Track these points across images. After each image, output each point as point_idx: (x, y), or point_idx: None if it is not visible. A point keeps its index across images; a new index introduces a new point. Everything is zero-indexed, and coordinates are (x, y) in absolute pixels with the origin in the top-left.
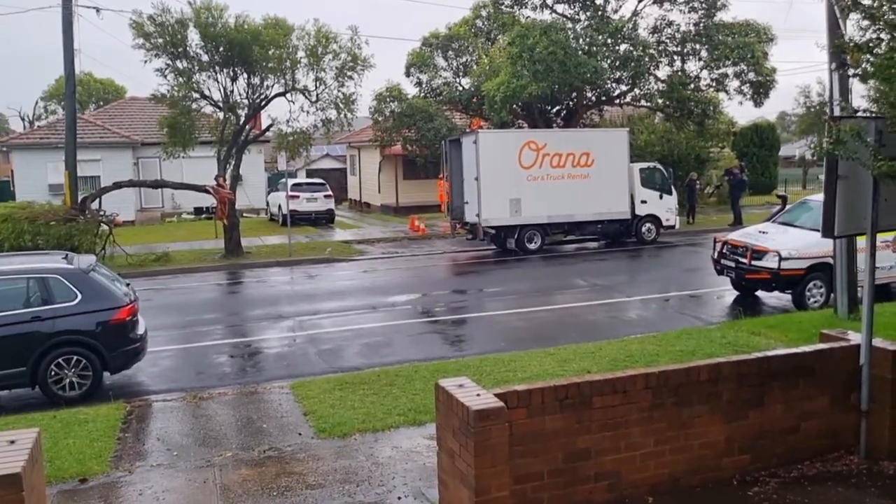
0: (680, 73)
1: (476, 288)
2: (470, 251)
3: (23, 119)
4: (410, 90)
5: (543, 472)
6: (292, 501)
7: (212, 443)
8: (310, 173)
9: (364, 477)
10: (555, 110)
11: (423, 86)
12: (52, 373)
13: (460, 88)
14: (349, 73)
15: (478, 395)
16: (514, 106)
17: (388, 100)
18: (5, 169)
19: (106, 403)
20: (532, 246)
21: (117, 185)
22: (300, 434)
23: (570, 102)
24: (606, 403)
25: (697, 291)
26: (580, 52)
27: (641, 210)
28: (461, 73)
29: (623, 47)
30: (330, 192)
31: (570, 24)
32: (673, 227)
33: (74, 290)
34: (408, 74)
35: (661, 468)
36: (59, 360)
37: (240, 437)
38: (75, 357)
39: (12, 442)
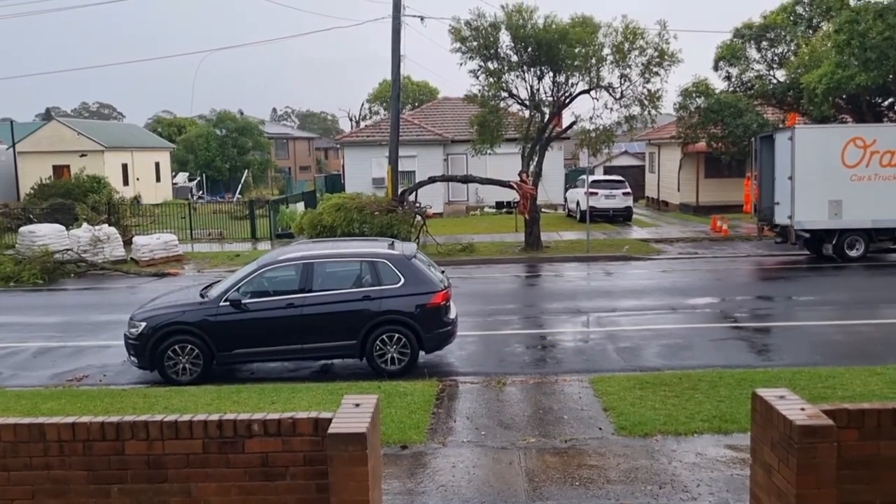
0: None
1: (785, 295)
2: (778, 255)
3: (350, 119)
4: (718, 85)
5: None
6: (594, 494)
7: (515, 427)
8: (607, 170)
9: (666, 480)
10: (887, 103)
11: (733, 80)
12: (377, 347)
13: (774, 81)
14: (655, 69)
15: (802, 409)
16: (838, 99)
17: (693, 95)
18: (336, 164)
19: (421, 380)
20: (853, 253)
21: (432, 180)
22: (600, 429)
23: None
24: None
25: None
26: None
27: None
28: (776, 65)
29: None
30: (629, 190)
31: None
32: None
33: (399, 274)
34: (716, 68)
35: None
36: (384, 336)
37: (541, 425)
38: (397, 335)
39: (357, 405)
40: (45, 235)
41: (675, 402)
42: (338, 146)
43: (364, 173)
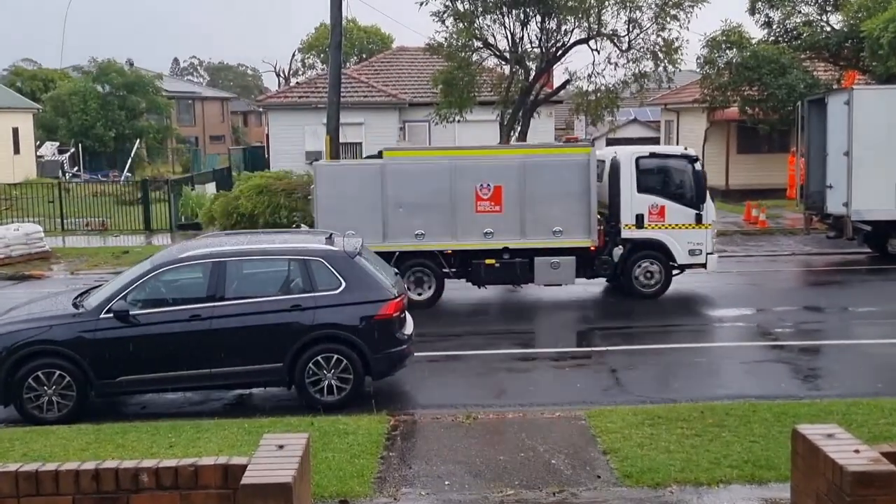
0: None
1: (838, 305)
2: (831, 254)
3: (277, 75)
4: (755, 33)
5: None
6: None
7: (489, 474)
8: (610, 143)
9: None
10: None
11: (775, 27)
12: (311, 372)
13: (828, 29)
14: (673, 12)
15: (856, 450)
16: None
17: (723, 46)
18: (259, 132)
19: (367, 414)
20: None
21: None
22: (598, 476)
23: None
24: None
25: None
26: None
27: None
28: (830, 8)
29: None
30: None
31: None
32: None
33: (338, 276)
34: (753, 12)
35: None
36: (319, 357)
37: (523, 472)
38: (335, 356)
39: (281, 447)
40: None
41: (696, 442)
42: (261, 109)
43: (295, 145)
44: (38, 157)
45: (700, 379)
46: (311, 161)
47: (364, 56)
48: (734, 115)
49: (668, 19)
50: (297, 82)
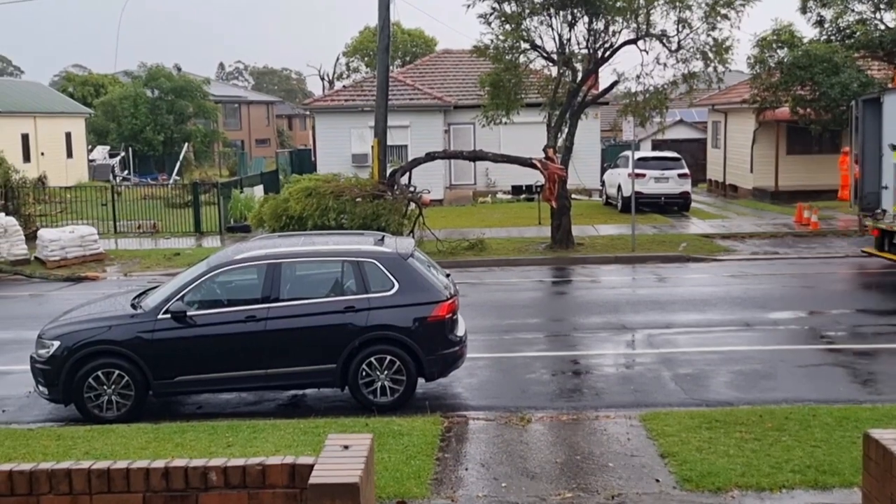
0: None
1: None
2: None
3: (322, 78)
4: (807, 32)
5: None
6: None
7: (545, 477)
8: (656, 145)
9: None
10: None
11: (827, 25)
12: (364, 373)
13: (882, 28)
14: (724, 11)
15: None
16: None
17: (774, 46)
18: (304, 136)
19: (421, 415)
20: None
21: (430, 157)
22: (657, 480)
23: None
24: None
25: None
26: None
27: None
28: (883, 6)
29: None
30: (686, 171)
31: None
32: None
33: (391, 278)
34: (804, 11)
35: None
36: (372, 359)
37: (579, 475)
38: (388, 357)
39: (346, 447)
40: None
41: (756, 446)
42: (306, 113)
43: (341, 148)
44: (89, 161)
45: (755, 381)
46: (358, 164)
47: (408, 59)
48: (784, 116)
49: (718, 18)
50: (343, 85)
